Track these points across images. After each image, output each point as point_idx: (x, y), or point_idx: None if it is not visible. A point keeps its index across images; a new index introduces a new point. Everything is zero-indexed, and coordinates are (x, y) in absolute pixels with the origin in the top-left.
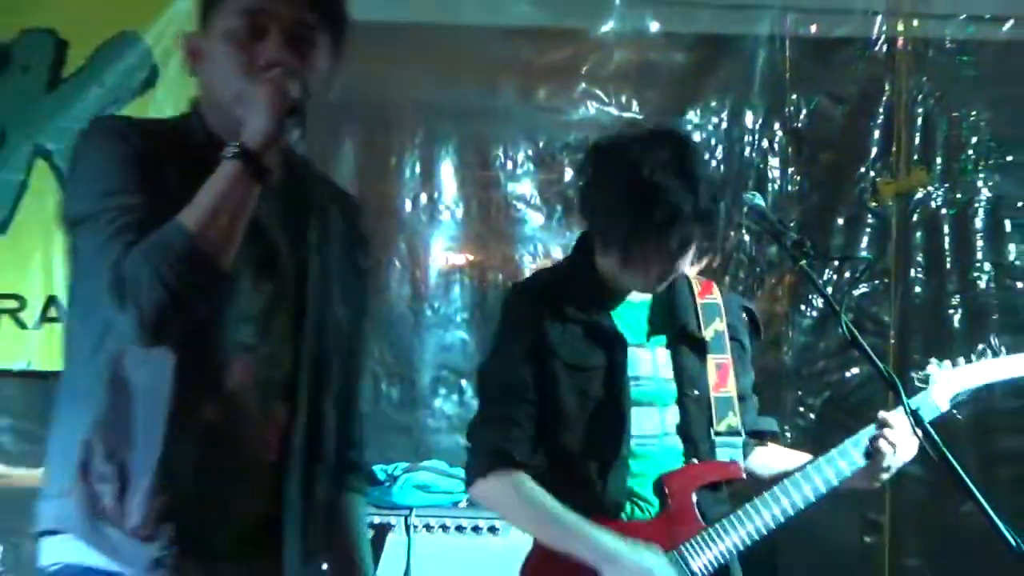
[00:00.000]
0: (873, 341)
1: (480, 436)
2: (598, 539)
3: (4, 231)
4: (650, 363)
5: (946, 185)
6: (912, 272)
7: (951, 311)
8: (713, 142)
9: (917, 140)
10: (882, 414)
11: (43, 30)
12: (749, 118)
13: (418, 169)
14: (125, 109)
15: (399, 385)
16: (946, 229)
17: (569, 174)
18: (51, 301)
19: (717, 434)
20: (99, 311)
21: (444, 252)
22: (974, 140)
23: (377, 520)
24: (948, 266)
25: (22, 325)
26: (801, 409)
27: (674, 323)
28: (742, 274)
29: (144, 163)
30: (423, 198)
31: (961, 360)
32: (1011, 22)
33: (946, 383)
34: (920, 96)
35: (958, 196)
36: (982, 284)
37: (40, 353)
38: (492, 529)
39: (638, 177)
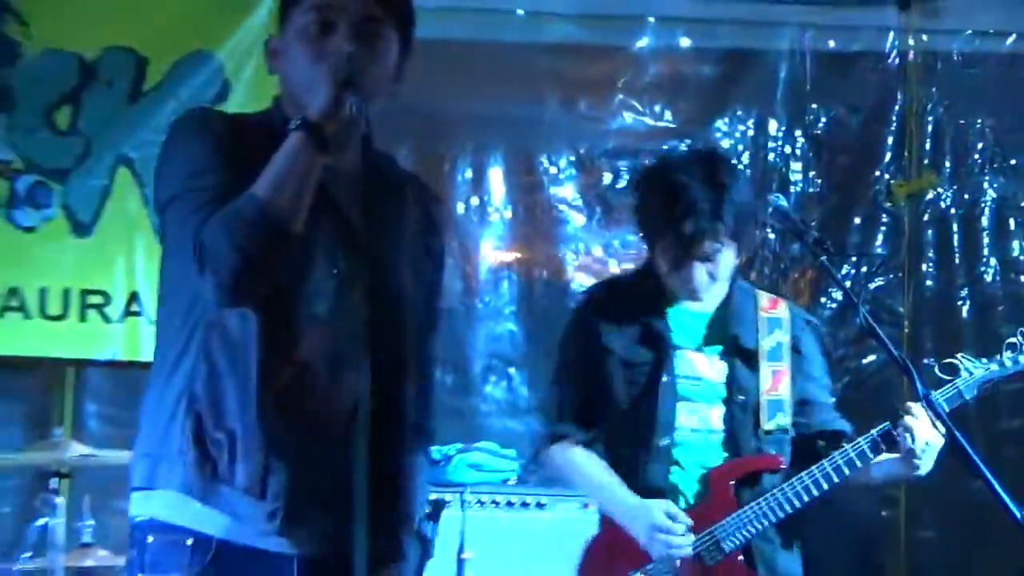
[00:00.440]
0: (888, 330)
1: (545, 417)
2: (615, 492)
3: (90, 233)
4: (701, 366)
5: (954, 187)
6: (924, 267)
7: (960, 303)
8: (740, 148)
9: (927, 145)
10: (908, 405)
11: (125, 48)
12: (773, 126)
13: (469, 174)
14: None
15: (453, 373)
16: (955, 227)
17: (608, 178)
18: (133, 297)
19: (766, 432)
20: (187, 284)
21: (493, 250)
22: (980, 145)
23: (433, 497)
24: (957, 261)
25: (107, 319)
26: None
27: (728, 335)
28: (767, 270)
29: (226, 149)
30: (474, 201)
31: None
32: (1013, 36)
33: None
34: (930, 105)
35: (966, 197)
36: (988, 278)
37: (123, 344)
38: (539, 504)
39: (672, 193)
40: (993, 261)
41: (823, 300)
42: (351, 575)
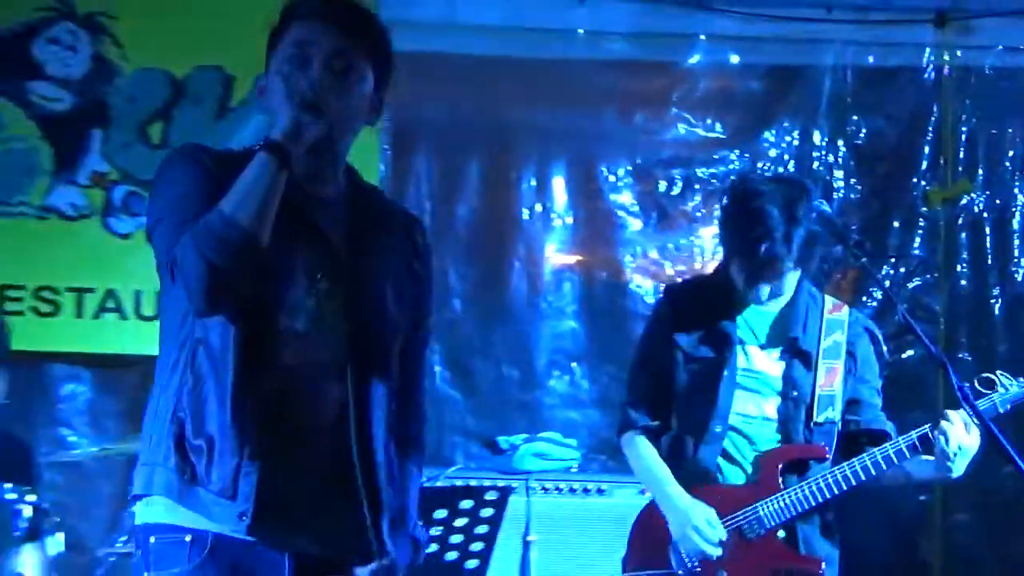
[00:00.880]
0: (925, 327)
1: (622, 405)
2: (666, 487)
3: None
4: (761, 361)
5: (987, 192)
6: (958, 268)
7: (992, 301)
8: (786, 157)
9: (961, 154)
10: (945, 411)
11: (213, 67)
12: (817, 136)
13: (534, 183)
14: None
15: (519, 368)
16: (987, 231)
17: (663, 186)
18: None
19: (816, 424)
20: (179, 303)
21: (556, 253)
22: (1011, 153)
23: (501, 484)
24: (989, 262)
25: None
26: None
27: (788, 336)
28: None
29: (211, 180)
30: (538, 208)
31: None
32: None
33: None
34: (964, 116)
35: (997, 202)
36: (1019, 277)
37: None
38: (599, 490)
39: (753, 216)
40: (1023, 262)
41: (864, 299)
42: (331, 570)
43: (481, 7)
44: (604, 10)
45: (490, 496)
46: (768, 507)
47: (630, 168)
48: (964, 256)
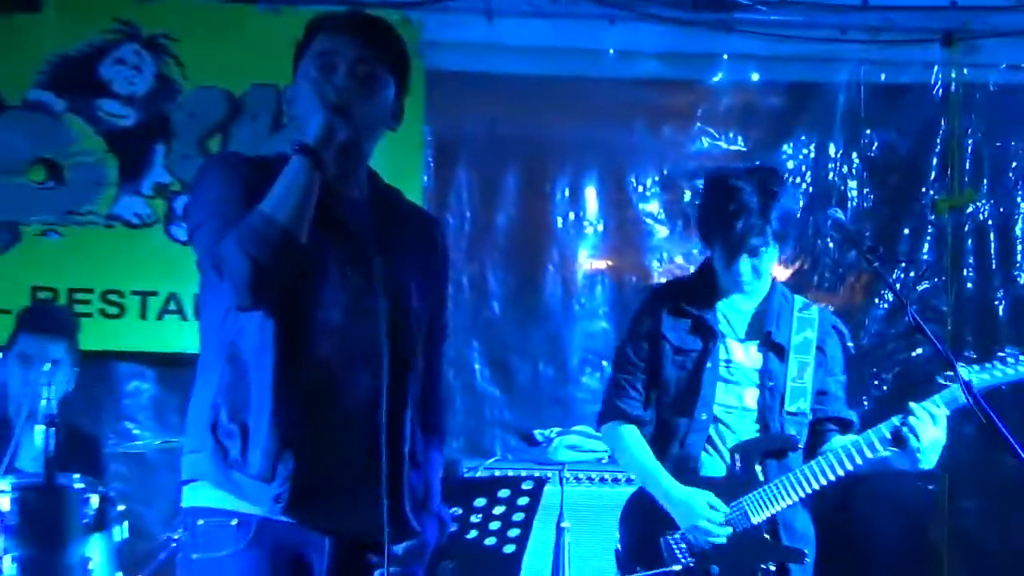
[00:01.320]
0: (933, 327)
1: (606, 395)
2: (660, 480)
3: None
4: (741, 353)
5: (991, 201)
6: (964, 272)
7: (996, 303)
8: (803, 169)
9: (968, 165)
10: (911, 405)
11: (268, 85)
12: (832, 149)
13: (567, 193)
14: None
15: (553, 366)
16: (992, 237)
17: (688, 195)
18: None
19: (789, 414)
20: (219, 300)
21: (588, 259)
22: (1014, 165)
23: (537, 474)
24: (993, 267)
25: None
26: (876, 382)
27: (764, 331)
28: (827, 274)
29: (246, 183)
30: (571, 216)
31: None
32: None
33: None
34: (970, 130)
35: (1001, 210)
36: (1021, 281)
37: None
38: (628, 480)
39: (727, 196)
40: None
41: (876, 301)
42: (368, 550)
43: (519, 29)
44: (633, 31)
45: (526, 486)
46: (753, 501)
47: (657, 179)
48: (970, 261)
